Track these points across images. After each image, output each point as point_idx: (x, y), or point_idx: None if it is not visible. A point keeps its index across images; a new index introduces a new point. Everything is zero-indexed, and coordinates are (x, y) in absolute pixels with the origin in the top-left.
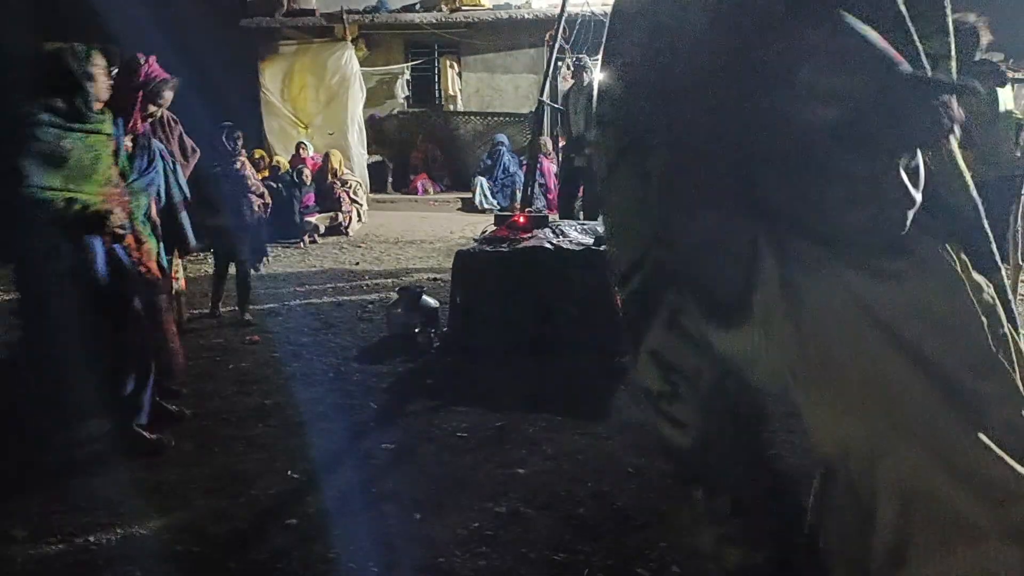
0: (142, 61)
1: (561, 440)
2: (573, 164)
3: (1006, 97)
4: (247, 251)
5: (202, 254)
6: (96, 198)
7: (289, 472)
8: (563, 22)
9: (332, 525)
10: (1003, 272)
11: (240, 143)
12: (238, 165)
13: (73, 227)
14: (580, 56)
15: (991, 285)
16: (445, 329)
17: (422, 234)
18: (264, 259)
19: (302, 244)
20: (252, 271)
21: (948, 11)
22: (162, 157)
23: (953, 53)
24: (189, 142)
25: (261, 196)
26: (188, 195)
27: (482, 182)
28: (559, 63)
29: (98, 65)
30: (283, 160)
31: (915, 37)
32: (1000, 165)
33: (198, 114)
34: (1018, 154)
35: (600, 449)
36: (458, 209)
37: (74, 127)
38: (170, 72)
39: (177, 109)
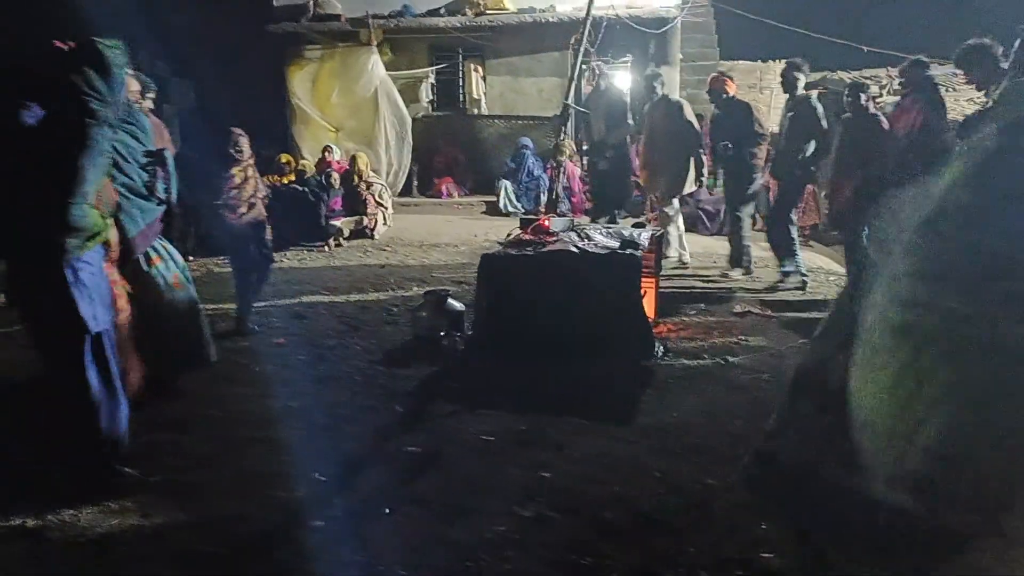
0: None
1: (586, 444)
2: (598, 168)
3: None
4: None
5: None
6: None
7: (315, 474)
8: (588, 25)
9: (358, 528)
10: None
11: (245, 149)
12: (251, 171)
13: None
14: (598, 63)
15: None
16: (470, 332)
17: (447, 237)
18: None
19: (327, 247)
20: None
21: None
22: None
23: None
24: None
25: (262, 199)
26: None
27: (507, 185)
28: (584, 66)
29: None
30: (309, 164)
31: None
32: None
33: (225, 119)
34: None
35: (626, 453)
36: (482, 212)
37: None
38: (196, 78)
39: (204, 114)
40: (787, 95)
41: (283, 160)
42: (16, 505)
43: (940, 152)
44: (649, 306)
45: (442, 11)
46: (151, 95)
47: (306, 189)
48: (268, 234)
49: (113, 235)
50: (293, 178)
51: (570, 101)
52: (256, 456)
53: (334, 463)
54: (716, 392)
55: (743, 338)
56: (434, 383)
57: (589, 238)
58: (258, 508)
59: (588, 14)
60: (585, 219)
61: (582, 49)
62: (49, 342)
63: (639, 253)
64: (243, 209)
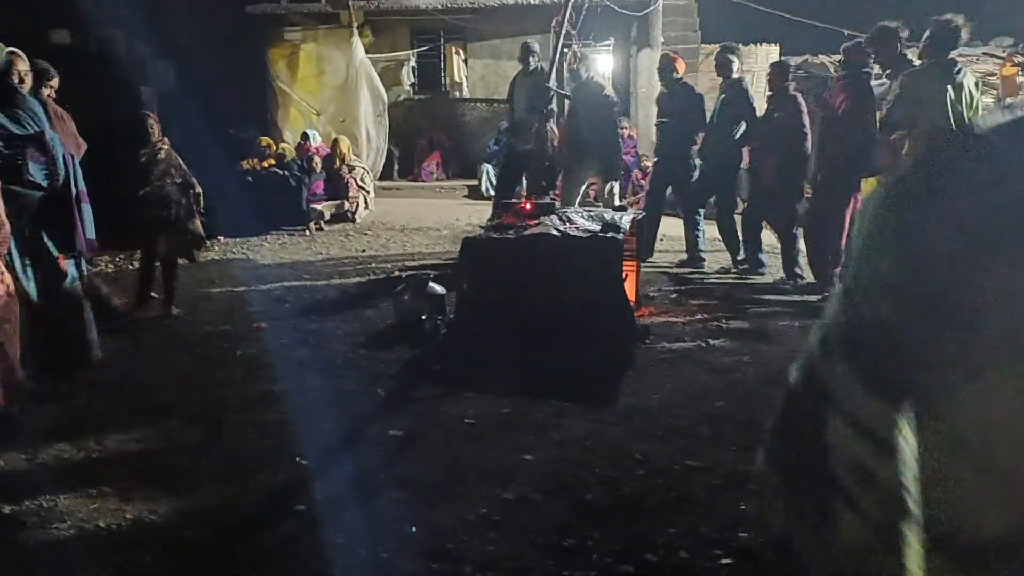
0: None
1: (568, 426)
2: (515, 150)
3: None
4: (170, 243)
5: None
6: None
7: (297, 458)
8: (569, 8)
9: (341, 511)
10: None
11: (153, 129)
12: (162, 155)
13: None
14: (528, 41)
15: None
16: (452, 316)
17: (428, 221)
18: (199, 249)
19: (308, 231)
20: (184, 261)
21: None
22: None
23: None
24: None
25: (191, 185)
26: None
27: (488, 169)
28: (565, 49)
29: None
30: (288, 147)
31: None
32: None
33: (205, 103)
34: None
35: (607, 435)
36: (464, 196)
37: None
38: (176, 60)
39: (182, 98)
40: (721, 78)
41: (263, 143)
42: None
43: (863, 140)
44: (630, 289)
45: None
46: (51, 82)
47: (287, 173)
48: (185, 216)
49: None
50: (273, 162)
51: (552, 84)
52: (239, 441)
53: (316, 447)
54: (697, 374)
55: (724, 321)
56: (416, 367)
57: (571, 221)
58: (241, 492)
59: None
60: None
61: (563, 32)
62: None
63: (620, 236)
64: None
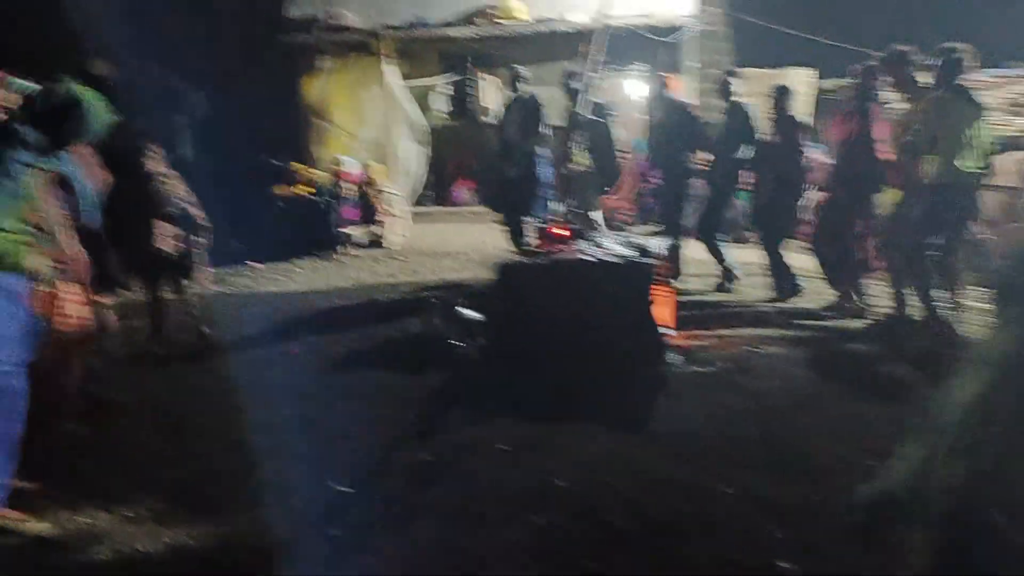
0: None
1: (599, 451)
2: (504, 175)
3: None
4: (168, 273)
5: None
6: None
7: (330, 483)
8: (599, 34)
9: (373, 536)
10: None
11: (157, 162)
12: (156, 188)
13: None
14: (515, 65)
15: None
16: (483, 340)
17: (459, 246)
18: (193, 278)
19: (339, 256)
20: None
21: None
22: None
23: None
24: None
25: (190, 218)
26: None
27: None
28: (595, 76)
29: None
30: (320, 173)
31: None
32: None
33: (238, 131)
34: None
35: (638, 460)
36: (494, 221)
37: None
38: (209, 89)
39: (216, 126)
40: (723, 101)
41: (293, 169)
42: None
43: (871, 164)
44: (667, 314)
45: (454, 21)
46: None
47: (318, 198)
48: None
49: (37, 260)
50: (305, 187)
51: (580, 110)
52: (272, 465)
53: (348, 472)
54: (728, 399)
55: (756, 345)
56: (446, 391)
57: (602, 246)
58: (275, 517)
59: (598, 24)
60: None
61: (592, 58)
62: None
63: (652, 261)
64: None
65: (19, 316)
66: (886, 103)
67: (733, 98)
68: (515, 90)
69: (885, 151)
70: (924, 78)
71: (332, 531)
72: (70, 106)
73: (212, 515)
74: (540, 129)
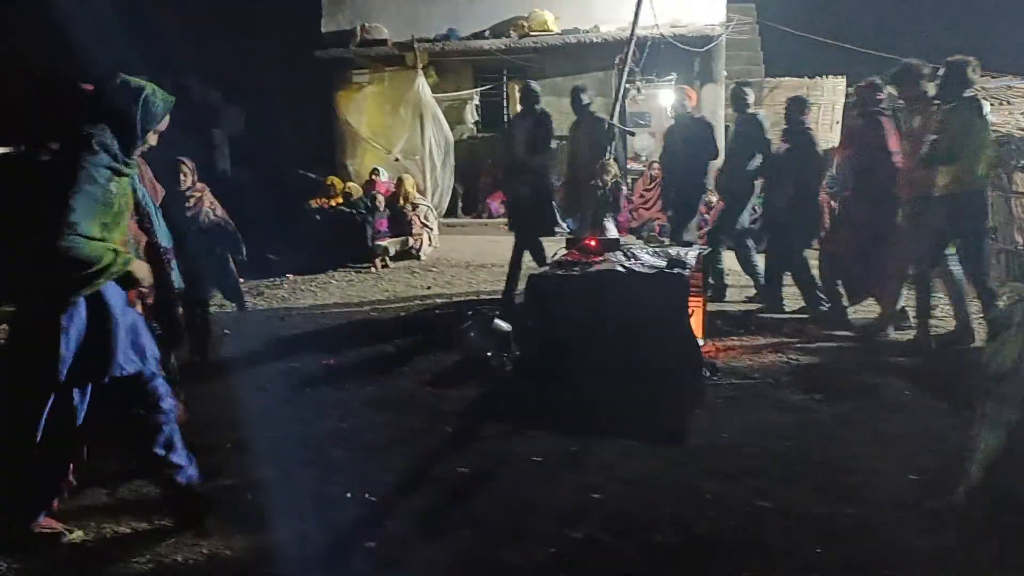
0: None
1: (637, 465)
2: (516, 193)
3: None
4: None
5: None
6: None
7: (367, 495)
8: (632, 45)
9: (410, 549)
10: None
11: (189, 176)
12: (191, 203)
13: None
14: (528, 81)
15: None
16: (518, 353)
17: (493, 258)
18: (241, 299)
19: (373, 268)
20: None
21: None
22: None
23: None
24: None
25: (230, 232)
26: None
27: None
28: (628, 86)
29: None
30: (355, 186)
31: None
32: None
33: (275, 145)
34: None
35: (677, 474)
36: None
37: (121, 169)
38: (246, 103)
39: (253, 140)
40: (736, 112)
41: (329, 183)
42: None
43: (886, 174)
44: (697, 326)
45: (487, 33)
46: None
47: (353, 211)
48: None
49: (140, 268)
50: (340, 200)
51: (615, 121)
52: (309, 478)
53: (385, 485)
54: (767, 413)
55: (793, 357)
56: (483, 404)
57: (636, 257)
58: (312, 529)
59: (632, 34)
60: (631, 238)
61: (626, 69)
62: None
63: (686, 272)
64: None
65: (142, 321)
66: (889, 115)
67: (749, 110)
68: (529, 106)
69: (890, 163)
70: (932, 89)
71: (368, 543)
72: (137, 95)
73: (248, 526)
74: (551, 145)
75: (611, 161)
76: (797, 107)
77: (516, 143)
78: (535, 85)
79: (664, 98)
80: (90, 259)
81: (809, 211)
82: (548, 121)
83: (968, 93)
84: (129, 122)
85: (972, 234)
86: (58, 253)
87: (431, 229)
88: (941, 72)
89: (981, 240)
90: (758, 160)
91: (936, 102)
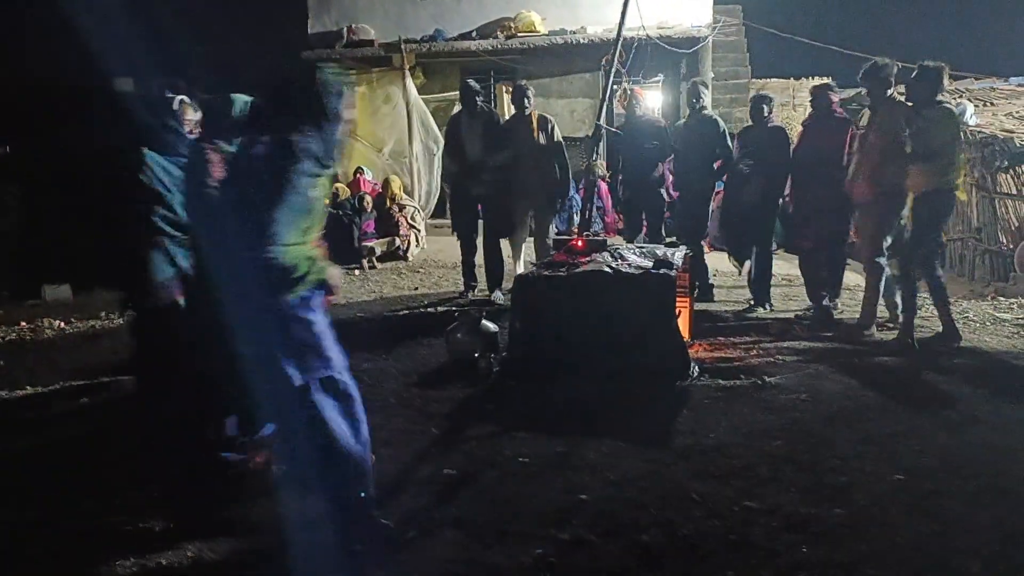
0: None
1: (624, 466)
2: (470, 192)
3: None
4: None
5: None
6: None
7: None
8: (619, 46)
9: (396, 551)
10: None
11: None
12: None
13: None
14: (469, 80)
15: None
16: (505, 354)
17: (480, 259)
18: None
19: (360, 269)
20: None
21: None
22: None
23: None
24: None
25: None
26: None
27: None
28: (615, 87)
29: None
30: (342, 187)
31: None
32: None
33: None
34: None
35: (663, 475)
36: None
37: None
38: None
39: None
40: (689, 111)
41: None
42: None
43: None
44: (683, 326)
45: (474, 34)
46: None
47: (340, 212)
48: None
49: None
50: (327, 201)
51: (602, 122)
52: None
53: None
54: (754, 413)
55: (779, 358)
56: (470, 405)
57: (623, 258)
58: (299, 532)
59: (619, 35)
60: (618, 239)
61: (612, 70)
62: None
63: (673, 273)
64: None
65: (330, 328)
66: (844, 117)
67: (705, 111)
68: (472, 106)
69: (838, 161)
70: (900, 88)
71: (354, 546)
72: (319, 87)
73: (231, 530)
74: (503, 145)
75: (598, 161)
76: (758, 105)
77: (467, 144)
78: (476, 84)
79: (652, 99)
80: (292, 268)
81: (774, 208)
82: (495, 120)
83: (940, 97)
84: (328, 118)
85: (938, 232)
86: (259, 264)
87: (418, 230)
88: (914, 74)
89: (939, 236)
90: (716, 160)
91: (909, 103)
